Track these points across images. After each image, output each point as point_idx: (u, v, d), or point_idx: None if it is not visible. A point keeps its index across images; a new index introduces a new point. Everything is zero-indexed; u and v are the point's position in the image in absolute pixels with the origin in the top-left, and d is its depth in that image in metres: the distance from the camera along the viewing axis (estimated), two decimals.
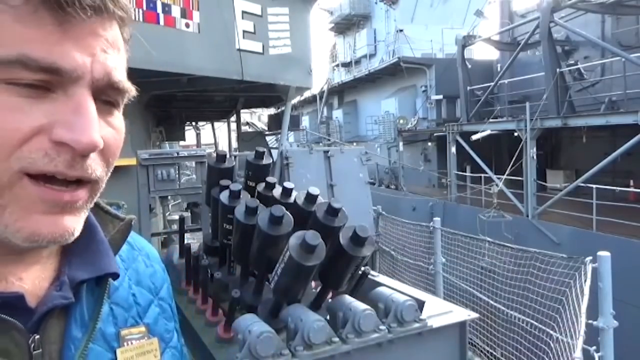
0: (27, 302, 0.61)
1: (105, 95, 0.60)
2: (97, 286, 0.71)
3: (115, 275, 0.72)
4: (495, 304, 6.45)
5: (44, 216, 0.56)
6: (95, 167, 0.58)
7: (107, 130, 0.60)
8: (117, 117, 0.63)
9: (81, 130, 0.54)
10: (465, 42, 16.62)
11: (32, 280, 0.65)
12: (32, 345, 0.61)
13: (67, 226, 0.58)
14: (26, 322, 0.61)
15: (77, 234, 0.60)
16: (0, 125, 0.51)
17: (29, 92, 0.53)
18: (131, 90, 0.63)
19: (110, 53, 0.59)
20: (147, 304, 0.80)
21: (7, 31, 0.51)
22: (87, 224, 0.71)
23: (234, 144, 14.04)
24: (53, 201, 0.56)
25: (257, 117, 23.51)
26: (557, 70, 12.31)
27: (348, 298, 2.00)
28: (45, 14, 0.52)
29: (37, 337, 0.62)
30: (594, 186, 10.26)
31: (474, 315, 2.15)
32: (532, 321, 5.67)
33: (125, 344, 0.72)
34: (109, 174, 0.65)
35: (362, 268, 2.08)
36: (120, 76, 0.60)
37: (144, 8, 4.82)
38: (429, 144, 19.97)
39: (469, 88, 16.53)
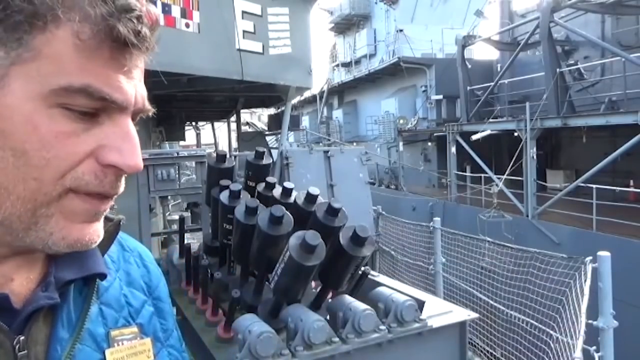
0: (12, 303, 0.61)
1: (134, 118, 0.65)
2: (85, 287, 0.72)
3: (103, 276, 0.73)
4: (495, 304, 6.45)
5: (84, 224, 0.62)
6: (123, 181, 0.65)
7: None
8: None
9: (130, 155, 0.61)
10: (465, 42, 16.62)
11: (19, 282, 0.65)
12: (17, 347, 0.61)
13: (99, 232, 0.65)
14: (11, 324, 0.61)
15: (100, 238, 0.65)
16: (60, 148, 0.56)
17: (81, 118, 0.58)
18: (150, 110, 0.68)
19: (141, 81, 0.65)
20: (139, 305, 0.80)
21: (74, 61, 0.56)
22: None
23: (234, 144, 14.04)
24: (94, 211, 0.62)
25: (257, 117, 23.49)
26: (557, 70, 12.31)
27: (348, 298, 2.00)
28: (106, 48, 0.57)
29: (22, 338, 0.61)
30: (594, 186, 10.26)
31: (474, 315, 2.15)
32: (532, 321, 5.67)
33: (115, 344, 0.72)
34: None
35: (362, 268, 2.08)
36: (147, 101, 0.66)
37: None
38: (429, 144, 19.96)
39: (469, 88, 16.53)
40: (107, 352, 0.71)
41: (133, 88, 0.61)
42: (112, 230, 0.78)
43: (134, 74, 0.62)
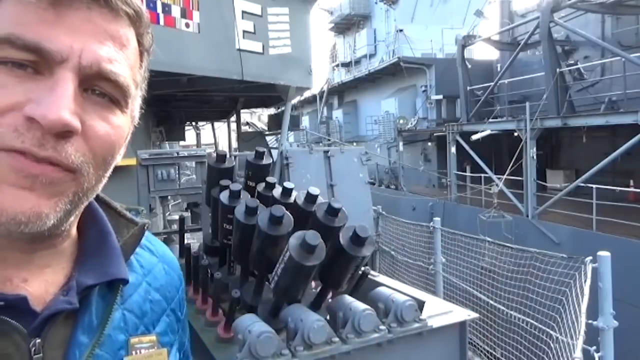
0: (31, 305, 0.60)
1: (98, 87, 0.60)
2: (109, 292, 0.70)
3: (125, 281, 0.71)
4: (495, 304, 6.45)
5: (11, 188, 0.54)
6: (73, 152, 0.57)
7: (100, 124, 0.60)
8: (119, 117, 0.63)
9: (49, 106, 0.54)
10: (465, 42, 16.62)
11: (39, 284, 0.64)
12: (33, 349, 0.60)
13: (35, 206, 0.55)
14: (30, 326, 0.60)
15: (49, 222, 0.57)
16: None
17: (17, 72, 0.54)
18: (131, 89, 0.64)
19: (108, 45, 0.60)
20: (160, 313, 0.78)
21: (5, 12, 0.54)
22: (101, 230, 0.72)
23: (234, 144, 14.03)
24: (22, 170, 0.54)
25: (257, 117, 23.50)
26: (557, 70, 12.31)
27: (348, 298, 2.00)
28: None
29: (39, 340, 0.60)
30: (594, 186, 10.26)
31: (474, 315, 2.15)
32: (532, 321, 5.67)
33: (133, 352, 0.70)
34: (105, 174, 0.64)
35: (362, 268, 2.08)
36: (117, 69, 0.60)
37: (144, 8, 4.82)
38: (429, 144, 19.97)
39: (469, 88, 16.53)
40: (126, 359, 0.69)
41: (78, 43, 0.56)
42: (137, 234, 0.76)
43: (85, 29, 0.57)
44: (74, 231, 0.70)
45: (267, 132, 13.23)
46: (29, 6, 0.54)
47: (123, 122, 0.64)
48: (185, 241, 2.96)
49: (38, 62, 0.55)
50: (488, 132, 14.10)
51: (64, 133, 0.55)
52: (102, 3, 0.59)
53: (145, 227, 0.78)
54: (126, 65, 0.62)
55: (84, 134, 0.58)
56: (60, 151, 0.55)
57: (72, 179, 0.58)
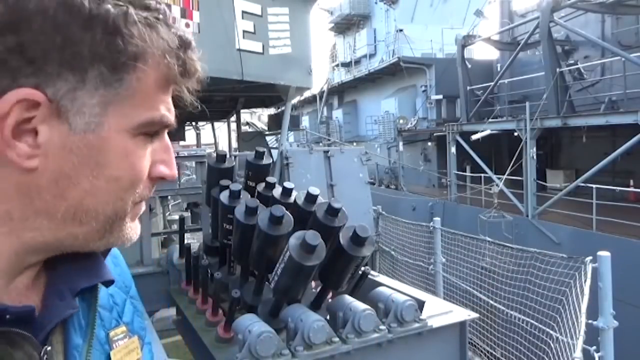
0: (36, 314, 0.61)
1: None
2: (87, 292, 0.71)
3: (110, 282, 0.72)
4: (495, 304, 6.45)
5: (134, 223, 0.69)
6: None
7: None
8: None
9: (173, 166, 0.69)
10: (465, 42, 16.62)
11: (34, 289, 0.65)
12: (45, 358, 0.61)
13: (138, 230, 0.71)
14: (34, 334, 0.60)
15: None
16: (140, 170, 0.63)
17: (149, 139, 0.65)
18: None
19: None
20: (122, 304, 0.81)
21: (155, 95, 0.64)
22: None
23: (234, 144, 14.03)
24: (141, 212, 0.70)
25: (257, 117, 23.48)
26: (557, 70, 12.31)
27: (348, 298, 2.00)
28: (172, 79, 0.65)
29: (49, 348, 0.61)
30: (594, 186, 10.26)
31: (474, 315, 2.15)
32: (532, 321, 5.67)
33: (114, 345, 0.73)
34: None
35: (362, 268, 2.08)
36: None
37: None
38: (429, 144, 19.97)
39: (468, 88, 16.53)
40: (112, 353, 0.72)
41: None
42: None
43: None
44: None
45: (267, 132, 13.22)
46: (165, 86, 0.65)
47: None
48: (185, 241, 2.96)
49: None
50: (488, 132, 14.11)
51: None
52: None
53: None
54: None
55: None
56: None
57: None
